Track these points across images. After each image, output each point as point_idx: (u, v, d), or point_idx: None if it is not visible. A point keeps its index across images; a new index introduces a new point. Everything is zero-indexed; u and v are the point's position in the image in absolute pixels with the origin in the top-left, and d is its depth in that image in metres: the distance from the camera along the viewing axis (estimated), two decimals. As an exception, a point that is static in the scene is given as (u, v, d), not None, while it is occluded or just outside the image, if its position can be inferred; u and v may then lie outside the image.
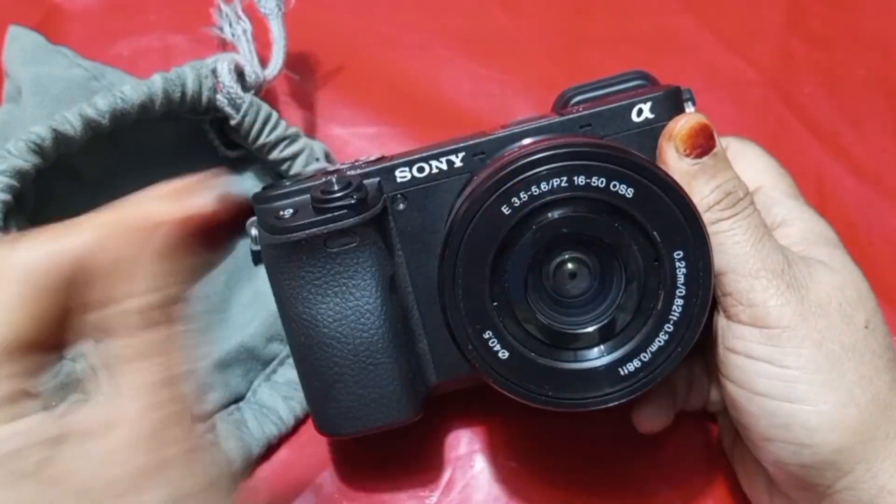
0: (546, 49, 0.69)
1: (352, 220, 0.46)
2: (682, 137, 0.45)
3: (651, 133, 0.47)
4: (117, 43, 0.67)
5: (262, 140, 0.57)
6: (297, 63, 0.67)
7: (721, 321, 0.46)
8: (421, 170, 0.47)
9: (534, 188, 0.41)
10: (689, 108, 0.48)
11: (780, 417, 0.44)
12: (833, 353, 0.44)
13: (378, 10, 0.70)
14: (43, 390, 0.50)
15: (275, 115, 0.58)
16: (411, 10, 0.70)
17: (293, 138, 0.58)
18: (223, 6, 0.61)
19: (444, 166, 0.47)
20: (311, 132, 0.65)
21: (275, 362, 0.58)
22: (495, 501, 0.55)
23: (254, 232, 0.49)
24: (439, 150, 0.48)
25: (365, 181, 0.47)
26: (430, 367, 0.50)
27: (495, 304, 0.43)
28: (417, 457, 0.56)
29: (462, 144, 0.47)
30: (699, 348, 0.45)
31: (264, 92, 0.61)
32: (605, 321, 0.44)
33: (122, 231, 0.35)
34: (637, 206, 0.42)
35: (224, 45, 0.62)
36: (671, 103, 0.47)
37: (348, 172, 0.48)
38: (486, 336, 0.43)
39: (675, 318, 0.43)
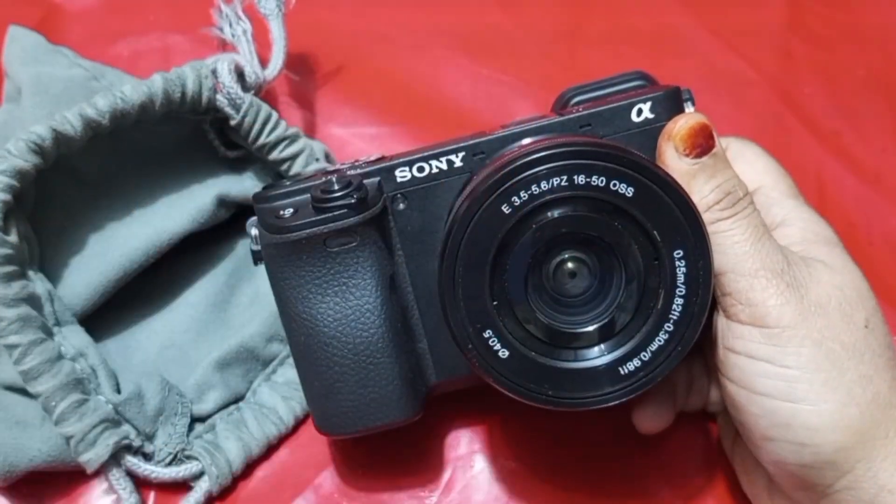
0: (546, 49, 0.69)
1: (352, 219, 0.46)
2: (682, 137, 0.45)
3: (651, 133, 0.47)
4: (117, 43, 0.67)
5: (262, 140, 0.57)
6: (297, 63, 0.67)
7: (721, 321, 0.46)
8: (421, 169, 0.47)
9: (534, 187, 0.41)
10: (689, 108, 0.48)
11: (781, 417, 0.44)
12: (833, 353, 0.44)
13: (378, 10, 0.70)
14: (43, 390, 0.50)
15: (275, 115, 0.58)
16: (411, 10, 0.70)
17: (293, 138, 0.58)
18: (223, 6, 0.61)
19: (444, 166, 0.47)
20: (310, 132, 0.65)
21: (275, 362, 0.58)
22: (495, 501, 0.55)
23: (254, 232, 0.49)
24: (439, 150, 0.47)
25: (365, 181, 0.47)
26: (430, 367, 0.50)
27: (495, 303, 0.43)
28: (417, 457, 0.56)
29: (462, 144, 0.47)
30: (698, 348, 0.45)
31: (264, 92, 0.61)
32: (605, 320, 0.44)
33: None
34: (637, 205, 0.42)
35: (224, 46, 0.62)
36: (671, 103, 0.47)
37: (348, 172, 0.48)
38: (486, 335, 0.43)
39: (675, 318, 0.43)
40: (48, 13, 0.67)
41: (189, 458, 0.54)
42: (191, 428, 0.55)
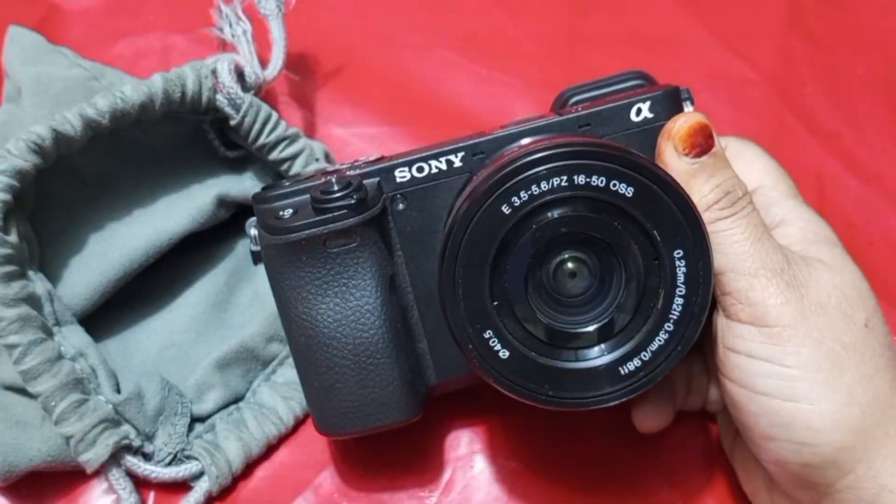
0: (546, 49, 0.69)
1: (351, 220, 0.46)
2: (681, 136, 0.45)
3: (650, 132, 0.47)
4: (117, 43, 0.67)
5: (261, 140, 0.57)
6: (297, 63, 0.67)
7: (721, 320, 0.46)
8: (420, 170, 0.47)
9: (534, 187, 0.41)
10: (688, 108, 0.48)
11: (782, 416, 0.44)
12: (833, 352, 0.44)
13: (378, 10, 0.70)
14: (43, 390, 0.50)
15: (275, 115, 0.58)
16: (411, 11, 0.70)
17: (293, 138, 0.58)
18: (223, 7, 0.61)
19: (444, 166, 0.47)
20: (310, 132, 0.65)
21: (274, 362, 0.58)
22: (495, 501, 0.55)
23: (253, 232, 0.49)
24: (438, 150, 0.47)
25: (364, 181, 0.47)
26: (430, 367, 0.50)
27: (495, 303, 0.43)
28: (417, 457, 0.56)
29: (461, 144, 0.47)
30: (698, 347, 0.45)
31: (264, 92, 0.61)
32: (605, 320, 0.44)
33: None
34: (637, 205, 0.42)
35: (224, 46, 0.62)
36: (670, 103, 0.47)
37: (348, 172, 0.48)
38: (486, 336, 0.43)
39: (675, 317, 0.43)
40: (48, 13, 0.67)
41: (189, 458, 0.54)
42: (191, 428, 0.55)
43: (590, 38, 0.69)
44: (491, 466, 0.56)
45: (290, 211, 0.47)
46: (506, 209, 0.41)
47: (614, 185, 0.41)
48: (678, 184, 0.42)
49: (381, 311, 0.47)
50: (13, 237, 0.51)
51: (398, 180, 0.48)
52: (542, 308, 0.44)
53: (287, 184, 0.49)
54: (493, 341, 0.43)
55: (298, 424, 0.57)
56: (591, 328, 0.44)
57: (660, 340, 0.43)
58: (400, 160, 0.48)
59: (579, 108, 0.48)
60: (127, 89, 0.54)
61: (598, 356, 0.44)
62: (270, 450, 0.56)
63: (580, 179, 0.41)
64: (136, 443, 0.53)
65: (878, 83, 0.68)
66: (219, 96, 0.56)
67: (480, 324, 0.43)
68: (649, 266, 0.43)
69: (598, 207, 0.42)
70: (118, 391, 0.53)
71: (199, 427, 0.56)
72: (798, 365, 0.44)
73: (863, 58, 0.69)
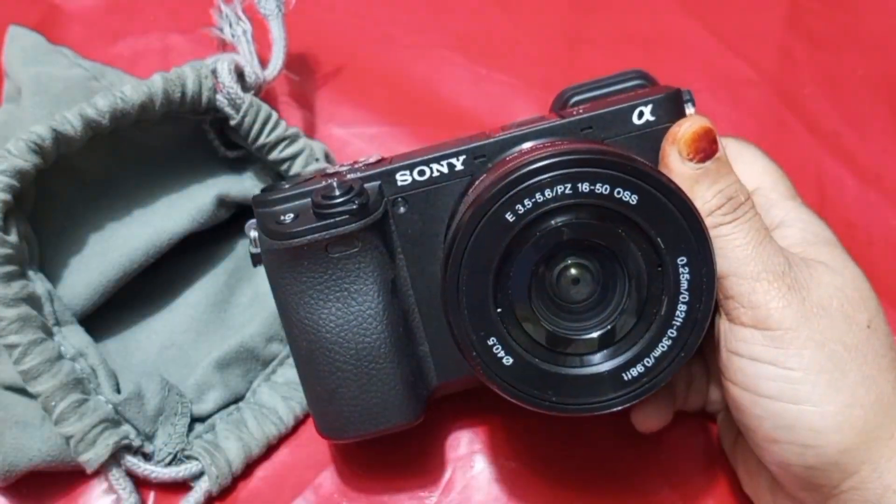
0: (546, 49, 0.69)
1: (353, 225, 0.45)
2: (686, 141, 0.45)
3: (652, 135, 0.47)
4: (117, 43, 0.67)
5: (261, 140, 0.57)
6: (297, 63, 0.67)
7: (723, 324, 0.46)
8: (422, 173, 0.47)
9: (538, 195, 0.41)
10: (690, 110, 0.48)
11: (785, 419, 0.44)
12: (836, 354, 0.44)
13: (378, 10, 0.70)
14: (43, 390, 0.50)
15: (274, 115, 0.58)
16: (411, 11, 0.70)
17: (293, 138, 0.58)
18: (223, 7, 0.61)
19: (445, 169, 0.47)
20: (311, 132, 0.65)
21: (274, 362, 0.58)
22: (495, 501, 0.55)
23: (253, 234, 0.48)
24: (440, 154, 0.47)
25: (366, 185, 0.47)
26: (432, 370, 0.50)
27: (499, 310, 0.43)
28: (417, 457, 0.56)
29: (463, 147, 0.47)
30: (699, 350, 0.45)
31: (264, 92, 0.61)
32: (609, 327, 0.44)
33: None
34: (641, 212, 0.42)
35: (224, 46, 0.62)
36: (672, 105, 0.47)
37: (348, 175, 0.48)
38: (490, 342, 0.43)
39: (678, 324, 0.43)
40: (47, 13, 0.67)
41: (189, 458, 0.54)
42: (191, 428, 0.55)
43: (590, 38, 0.69)
44: (491, 467, 0.56)
45: (292, 215, 0.47)
46: (510, 217, 0.41)
47: (618, 193, 0.41)
48: (682, 191, 0.42)
49: (384, 315, 0.47)
50: (13, 237, 0.51)
51: (399, 183, 0.47)
52: (546, 314, 0.44)
53: (286, 186, 0.49)
54: (497, 348, 0.43)
55: (298, 424, 0.57)
56: (594, 334, 0.44)
57: (663, 347, 0.43)
58: (401, 163, 0.47)
59: (580, 110, 0.48)
60: (127, 89, 0.54)
61: (601, 362, 0.44)
62: (270, 450, 0.56)
63: (584, 187, 0.41)
64: (136, 443, 0.53)
65: (878, 83, 0.68)
66: (219, 96, 0.57)
67: (484, 331, 0.43)
68: (653, 273, 0.43)
69: (601, 215, 0.42)
70: (118, 391, 0.53)
71: (199, 427, 0.56)
72: (801, 367, 0.44)
73: (863, 58, 0.69)
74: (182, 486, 0.54)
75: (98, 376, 0.53)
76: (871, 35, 0.69)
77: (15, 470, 0.51)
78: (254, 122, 0.57)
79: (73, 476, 0.53)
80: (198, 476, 0.54)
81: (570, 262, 0.44)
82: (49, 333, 0.51)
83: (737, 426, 0.49)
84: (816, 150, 0.66)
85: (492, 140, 0.47)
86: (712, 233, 0.44)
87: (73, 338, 0.53)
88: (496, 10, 0.70)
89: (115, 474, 0.52)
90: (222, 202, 0.59)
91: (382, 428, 0.49)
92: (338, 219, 0.45)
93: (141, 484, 0.54)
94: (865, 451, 0.44)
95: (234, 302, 0.60)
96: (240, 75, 0.58)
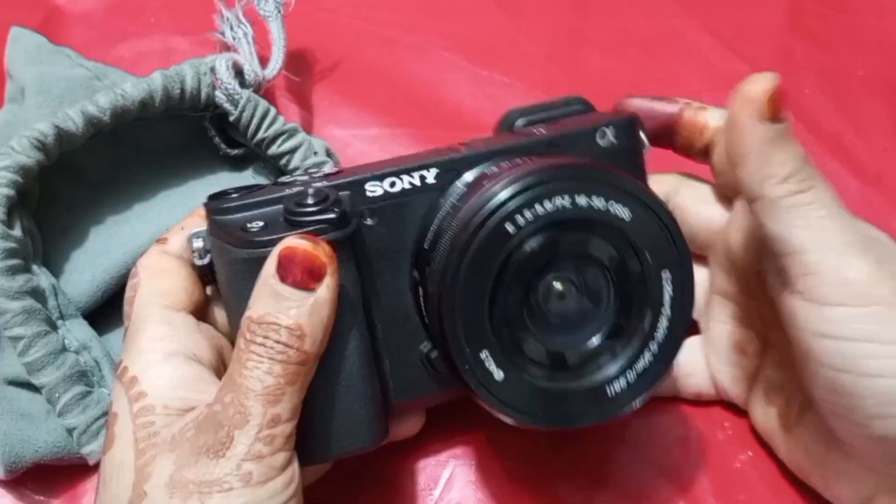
0: (546, 50, 0.69)
1: (330, 235, 0.43)
2: (768, 99, 0.43)
3: (612, 156, 0.47)
4: (119, 45, 0.67)
5: (260, 135, 0.58)
6: (298, 65, 0.67)
7: (801, 307, 0.44)
8: (393, 184, 0.46)
9: (538, 206, 0.41)
10: (643, 136, 0.48)
11: (892, 395, 0.42)
12: None
13: (378, 11, 0.70)
14: (47, 382, 0.50)
15: (273, 110, 0.58)
16: (411, 12, 0.70)
17: (291, 132, 0.58)
18: (224, 11, 0.62)
19: (417, 182, 0.46)
20: (310, 134, 0.65)
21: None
22: (495, 501, 0.55)
23: (198, 244, 0.46)
24: (411, 165, 0.46)
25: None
26: (391, 388, 0.48)
27: (492, 323, 0.42)
28: (417, 456, 0.56)
29: (435, 160, 0.46)
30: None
31: (264, 94, 0.61)
32: (595, 341, 0.44)
33: None
34: (632, 227, 0.42)
35: (225, 48, 0.63)
36: (631, 129, 0.48)
37: (314, 185, 0.45)
38: (482, 356, 0.42)
39: (660, 339, 0.43)
40: (49, 15, 0.67)
41: (191, 452, 0.54)
42: (192, 422, 0.55)
43: (590, 38, 0.70)
44: (490, 467, 0.56)
45: (260, 223, 0.44)
46: (510, 228, 0.41)
47: (612, 207, 0.42)
48: (667, 207, 0.43)
49: (355, 331, 0.45)
50: (17, 232, 0.51)
51: (368, 194, 0.46)
52: (535, 328, 0.44)
53: (236, 196, 0.47)
54: (489, 362, 0.42)
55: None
56: (581, 348, 0.44)
57: (645, 361, 0.43)
58: (371, 174, 0.46)
59: (541, 130, 0.48)
60: (127, 86, 0.54)
61: (586, 376, 0.44)
62: (271, 447, 0.56)
63: (582, 200, 0.41)
64: (139, 436, 0.53)
65: (879, 83, 0.68)
66: (217, 92, 0.57)
67: (477, 344, 0.42)
68: (638, 287, 0.43)
69: (594, 229, 0.42)
70: (122, 383, 0.53)
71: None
72: None
73: (863, 58, 0.69)
74: (184, 481, 0.54)
75: (102, 369, 0.53)
76: (871, 35, 0.70)
77: (20, 462, 0.51)
78: (252, 116, 0.57)
79: (75, 469, 0.53)
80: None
81: (560, 275, 0.44)
82: (53, 326, 0.51)
83: (792, 413, 0.48)
84: (816, 150, 0.66)
85: (464, 154, 0.46)
86: (791, 201, 0.42)
87: (77, 331, 0.53)
88: (497, 12, 0.70)
89: (119, 466, 0.52)
90: (223, 200, 0.59)
91: (352, 449, 0.46)
92: (313, 228, 0.43)
93: (142, 480, 0.54)
94: None
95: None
96: (238, 73, 0.58)
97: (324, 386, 0.43)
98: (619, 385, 0.43)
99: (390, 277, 0.47)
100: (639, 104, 0.51)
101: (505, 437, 0.56)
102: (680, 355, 0.44)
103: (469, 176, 0.46)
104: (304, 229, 0.42)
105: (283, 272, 0.40)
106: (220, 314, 0.48)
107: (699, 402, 0.56)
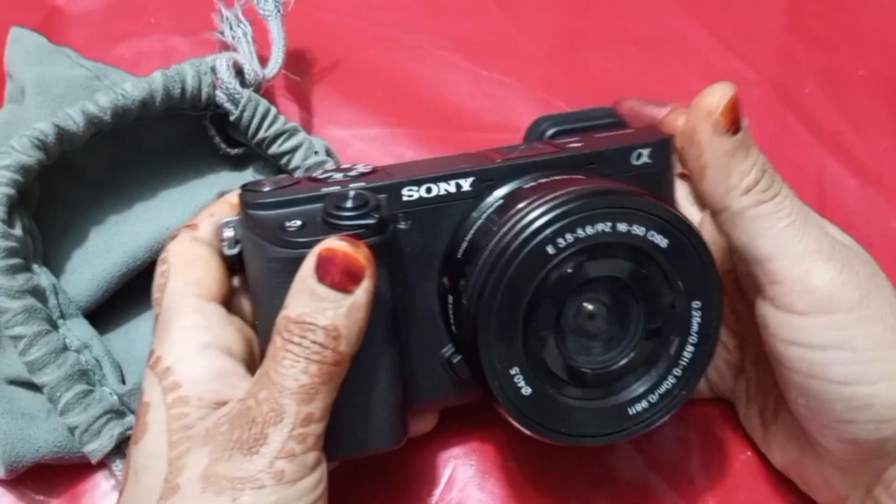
0: (546, 50, 0.69)
1: (370, 239, 0.43)
2: (724, 112, 0.43)
3: (646, 178, 0.47)
4: (119, 45, 0.67)
5: (261, 134, 0.58)
6: (298, 65, 0.67)
7: (770, 313, 0.44)
8: (429, 190, 0.46)
9: (579, 230, 0.41)
10: (674, 158, 0.49)
11: (860, 400, 0.42)
12: (894, 327, 0.42)
13: (378, 11, 0.70)
14: (48, 381, 0.50)
15: (273, 109, 0.58)
16: (411, 12, 0.70)
17: (292, 132, 0.58)
18: (224, 10, 0.62)
19: (453, 189, 0.46)
20: (311, 133, 0.65)
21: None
22: (495, 501, 0.55)
23: (228, 233, 0.46)
24: (448, 172, 0.46)
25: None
26: (413, 390, 0.48)
27: (525, 341, 0.43)
28: (418, 455, 0.56)
29: (472, 168, 0.46)
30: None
31: (264, 94, 0.61)
32: (621, 362, 0.44)
33: None
34: (668, 255, 0.42)
35: (225, 48, 0.63)
36: (665, 151, 0.48)
37: (351, 184, 0.46)
38: (512, 372, 0.42)
39: (684, 364, 0.44)
40: (49, 15, 0.67)
41: (192, 449, 0.54)
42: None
43: (590, 38, 0.70)
44: (491, 466, 0.56)
45: (298, 222, 0.44)
46: (550, 249, 0.41)
47: (651, 235, 0.42)
48: (702, 237, 0.43)
49: (384, 333, 0.45)
50: (17, 231, 0.51)
51: (405, 199, 0.46)
52: (565, 347, 0.44)
53: (269, 189, 0.46)
54: (518, 378, 0.43)
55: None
56: (609, 369, 0.44)
57: (668, 385, 0.44)
58: (408, 178, 0.46)
59: (574, 145, 0.48)
60: (128, 86, 0.54)
61: (611, 396, 0.44)
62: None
63: (622, 227, 0.42)
64: (141, 434, 0.53)
65: (879, 83, 0.68)
66: (217, 92, 0.57)
67: (508, 361, 0.42)
68: (668, 313, 0.44)
69: (632, 255, 0.43)
70: (123, 382, 0.53)
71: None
72: (871, 347, 0.42)
73: (863, 58, 0.69)
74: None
75: (103, 367, 0.53)
76: (871, 35, 0.70)
77: (21, 461, 0.51)
78: (252, 116, 0.57)
79: (77, 467, 0.53)
80: (200, 469, 0.54)
81: (593, 297, 0.44)
82: (54, 325, 0.51)
83: (769, 410, 0.49)
84: (816, 150, 0.66)
85: (500, 164, 0.47)
86: (755, 212, 0.43)
87: (78, 330, 0.53)
88: (497, 12, 0.70)
89: (120, 465, 0.52)
90: (224, 200, 0.59)
91: (375, 449, 0.47)
92: (352, 232, 0.43)
93: (144, 478, 0.54)
94: None
95: (236, 295, 0.60)
96: (239, 72, 0.58)
97: (350, 386, 0.44)
98: (640, 405, 0.44)
99: (418, 281, 0.47)
100: (629, 105, 0.51)
101: (505, 438, 0.56)
102: None
103: (505, 188, 0.46)
104: (344, 233, 0.42)
105: (322, 273, 0.40)
106: (246, 304, 0.48)
107: (695, 399, 0.56)
